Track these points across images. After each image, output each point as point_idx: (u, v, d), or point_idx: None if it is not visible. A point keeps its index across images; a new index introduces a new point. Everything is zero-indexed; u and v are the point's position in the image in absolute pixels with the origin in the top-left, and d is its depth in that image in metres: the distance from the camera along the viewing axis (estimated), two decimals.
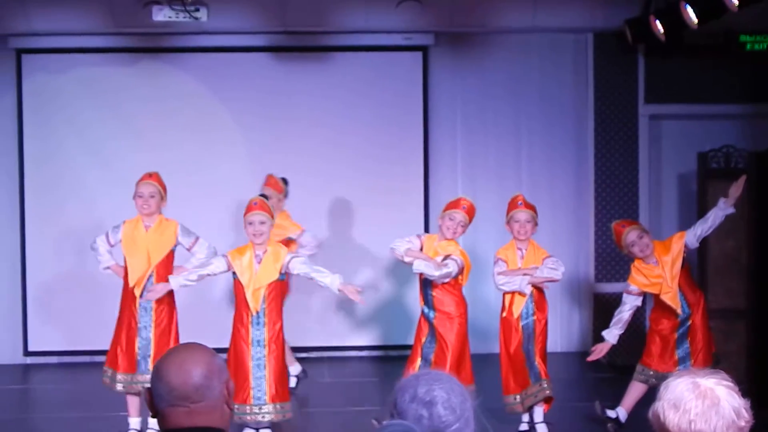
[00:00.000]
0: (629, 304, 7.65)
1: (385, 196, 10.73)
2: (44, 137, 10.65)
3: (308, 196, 10.42)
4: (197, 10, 8.56)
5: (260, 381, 7.32)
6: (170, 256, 7.68)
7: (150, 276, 7.58)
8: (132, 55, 10.71)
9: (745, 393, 2.67)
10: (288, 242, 8.50)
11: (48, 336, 10.67)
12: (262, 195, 7.64)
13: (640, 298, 7.71)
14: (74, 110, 10.62)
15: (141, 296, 7.54)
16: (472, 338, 7.63)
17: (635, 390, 7.66)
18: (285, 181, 8.07)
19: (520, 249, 7.62)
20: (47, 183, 10.61)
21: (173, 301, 7.70)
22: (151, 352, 7.50)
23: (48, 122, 10.64)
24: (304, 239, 8.62)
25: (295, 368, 8.59)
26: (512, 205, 7.72)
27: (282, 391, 7.38)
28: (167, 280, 7.54)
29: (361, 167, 10.76)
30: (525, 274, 7.48)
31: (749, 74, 10.53)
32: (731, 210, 7.63)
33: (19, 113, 10.65)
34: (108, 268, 7.77)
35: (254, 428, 7.43)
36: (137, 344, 7.53)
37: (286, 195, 9.02)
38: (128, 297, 7.62)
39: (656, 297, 7.63)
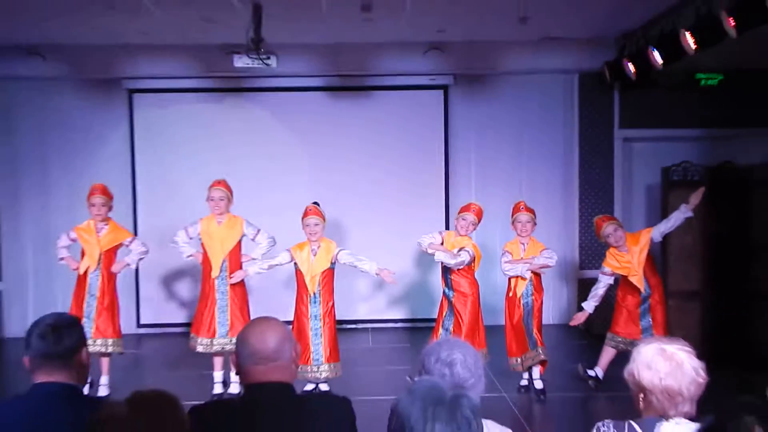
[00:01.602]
0: (603, 282, 7.65)
1: (414, 201, 10.73)
2: (151, 159, 10.76)
3: (356, 201, 10.50)
4: (269, 58, 8.55)
5: (318, 346, 7.35)
6: (239, 245, 7.70)
7: (224, 261, 7.61)
8: (219, 93, 10.77)
9: (699, 356, 2.67)
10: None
11: (155, 311, 10.81)
12: (315, 202, 7.65)
13: (612, 278, 7.67)
14: (174, 137, 10.72)
15: (219, 276, 7.57)
16: (483, 313, 7.62)
17: (607, 353, 7.69)
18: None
19: (522, 243, 7.61)
20: (153, 193, 10.74)
21: (244, 283, 7.74)
22: (228, 322, 7.56)
23: (154, 147, 10.74)
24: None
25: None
26: (516, 209, 7.71)
27: (334, 354, 7.39)
28: (239, 266, 7.64)
29: (396, 179, 10.76)
30: (526, 263, 7.47)
31: (703, 105, 10.41)
32: (690, 214, 7.59)
33: (131, 141, 10.76)
34: (191, 256, 7.78)
35: (314, 383, 7.47)
36: (216, 316, 7.58)
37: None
38: (208, 279, 7.64)
39: (624, 278, 7.61)
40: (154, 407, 2.05)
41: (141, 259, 7.90)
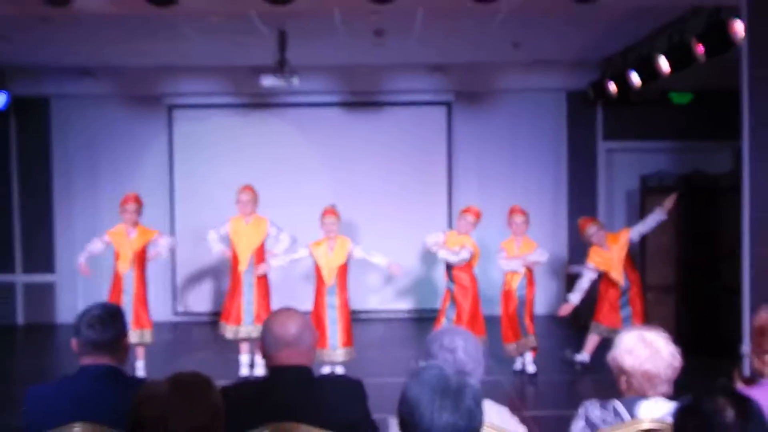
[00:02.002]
0: (587, 277, 7.61)
1: (420, 204, 10.69)
2: (187, 166, 10.77)
3: (368, 204, 10.47)
4: (292, 77, 8.55)
5: (334, 333, 7.31)
6: (263, 242, 7.68)
7: (251, 257, 7.58)
8: (247, 109, 10.78)
9: (674, 343, 2.65)
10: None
11: (190, 301, 10.81)
12: (332, 204, 7.63)
13: (596, 273, 7.62)
14: (208, 148, 10.71)
15: (246, 270, 7.54)
16: (481, 304, 7.58)
17: (592, 340, 7.64)
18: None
19: (517, 242, 7.58)
20: (188, 197, 10.74)
21: (267, 277, 7.70)
22: (253, 312, 7.54)
23: (190, 156, 10.75)
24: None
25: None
26: (511, 212, 7.68)
27: (348, 339, 7.37)
28: (264, 260, 7.60)
29: (403, 184, 10.72)
30: (520, 259, 7.43)
31: (676, 120, 10.37)
32: (664, 217, 7.57)
33: (170, 150, 10.79)
34: (220, 252, 7.80)
35: (330, 366, 7.44)
36: (243, 306, 7.56)
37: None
38: (236, 272, 7.62)
39: (606, 273, 7.56)
40: (192, 387, 2.04)
41: (170, 249, 7.84)
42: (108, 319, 2.81)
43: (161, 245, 7.69)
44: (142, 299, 7.47)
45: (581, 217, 8.02)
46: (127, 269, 7.40)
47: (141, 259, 7.50)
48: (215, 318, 9.10)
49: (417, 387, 1.91)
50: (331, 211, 7.43)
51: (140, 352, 7.48)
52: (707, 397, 2.00)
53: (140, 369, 7.40)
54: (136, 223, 7.46)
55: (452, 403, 1.87)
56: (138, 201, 7.50)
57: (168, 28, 7.73)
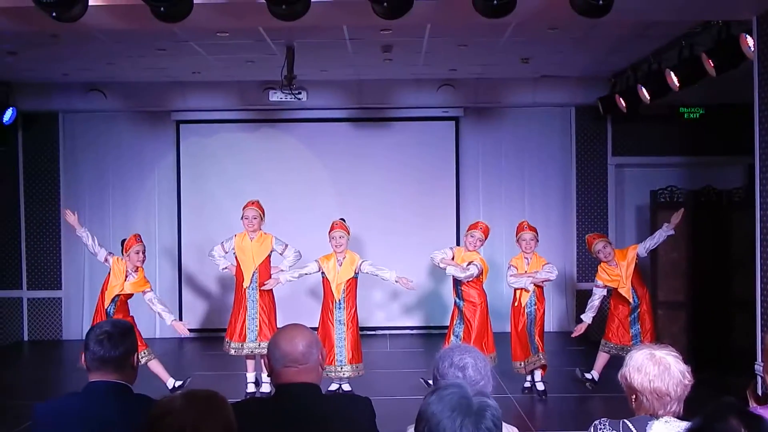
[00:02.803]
0: (598, 295, 7.58)
1: (428, 220, 10.71)
2: (194, 181, 10.82)
3: (377, 220, 10.48)
4: (300, 93, 8.62)
5: (341, 349, 7.30)
6: (268, 259, 7.63)
7: (254, 273, 7.54)
8: (255, 124, 10.82)
9: (685, 361, 2.64)
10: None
11: (195, 317, 10.81)
12: (341, 218, 7.64)
13: (605, 290, 7.61)
14: (215, 163, 10.78)
15: (249, 287, 7.50)
16: (491, 320, 7.55)
17: (601, 358, 7.60)
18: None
19: (526, 258, 7.55)
20: (195, 212, 10.79)
21: (272, 292, 7.63)
22: (257, 328, 7.50)
23: (197, 171, 10.81)
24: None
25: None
26: (520, 228, 7.66)
27: (356, 355, 7.34)
28: (268, 277, 7.54)
29: (412, 200, 10.76)
30: (529, 276, 7.41)
31: (686, 135, 10.36)
32: (671, 232, 7.58)
33: (177, 165, 10.84)
34: (226, 268, 7.74)
35: (338, 383, 7.43)
36: (247, 322, 7.54)
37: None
38: (241, 289, 7.59)
39: (615, 290, 7.54)
40: (207, 403, 2.06)
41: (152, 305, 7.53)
42: (117, 336, 2.81)
43: (147, 299, 7.44)
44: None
45: (589, 234, 8.01)
46: (108, 304, 7.24)
47: (125, 300, 7.40)
48: (221, 334, 9.10)
49: (438, 405, 1.91)
50: (340, 225, 7.43)
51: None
52: (719, 418, 1.99)
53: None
54: (137, 269, 7.33)
55: (473, 422, 1.87)
56: (141, 242, 7.38)
57: (176, 44, 7.79)
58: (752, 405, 3.08)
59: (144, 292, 7.39)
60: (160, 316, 7.57)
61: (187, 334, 7.44)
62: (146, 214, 10.79)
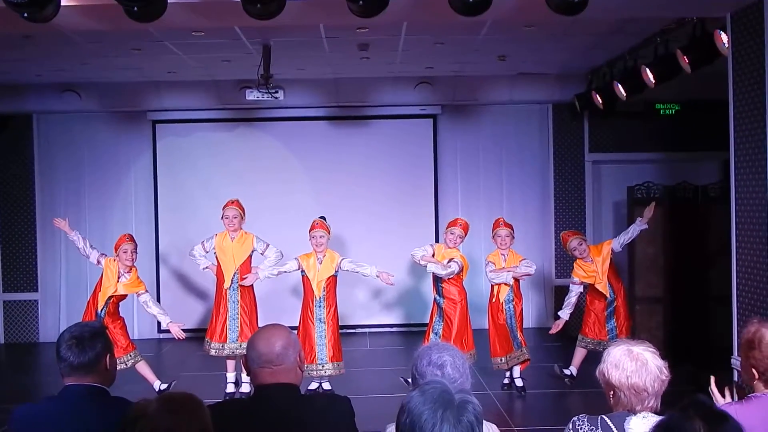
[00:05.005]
0: (574, 291, 7.65)
1: (407, 217, 10.72)
2: (171, 181, 10.75)
3: (355, 218, 10.46)
4: (277, 91, 8.58)
5: (322, 347, 7.29)
6: (249, 259, 7.60)
7: (235, 273, 7.50)
8: (232, 123, 10.76)
9: (662, 356, 2.66)
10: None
11: (173, 317, 10.69)
12: (322, 217, 7.62)
13: (582, 287, 7.67)
14: (192, 162, 10.70)
15: (230, 287, 7.47)
16: (470, 316, 7.57)
17: (579, 353, 7.68)
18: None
19: (503, 254, 7.57)
20: (173, 212, 10.71)
21: (253, 292, 7.63)
22: (237, 329, 7.47)
23: (174, 171, 10.73)
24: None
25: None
26: (496, 224, 7.69)
27: (337, 354, 7.33)
28: (253, 272, 7.51)
29: (391, 198, 10.76)
30: (509, 271, 7.43)
31: (662, 131, 10.44)
32: (645, 226, 7.67)
33: (154, 165, 10.75)
34: (206, 268, 7.71)
35: (318, 381, 7.42)
36: (228, 323, 7.50)
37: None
38: (221, 289, 7.56)
39: (591, 285, 7.60)
40: (182, 406, 2.05)
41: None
42: (87, 340, 2.77)
43: (141, 301, 7.43)
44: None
45: (563, 231, 8.06)
46: (101, 307, 7.20)
47: (117, 302, 7.37)
48: (201, 335, 9.05)
49: (420, 398, 1.93)
50: (320, 224, 7.41)
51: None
52: (683, 417, 2.03)
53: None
54: (130, 269, 7.25)
55: (454, 415, 1.89)
56: (133, 240, 7.33)
57: (152, 43, 7.72)
58: (726, 400, 3.11)
59: (138, 294, 7.36)
60: (156, 318, 7.52)
61: (183, 336, 7.39)
62: (123, 215, 10.69)
